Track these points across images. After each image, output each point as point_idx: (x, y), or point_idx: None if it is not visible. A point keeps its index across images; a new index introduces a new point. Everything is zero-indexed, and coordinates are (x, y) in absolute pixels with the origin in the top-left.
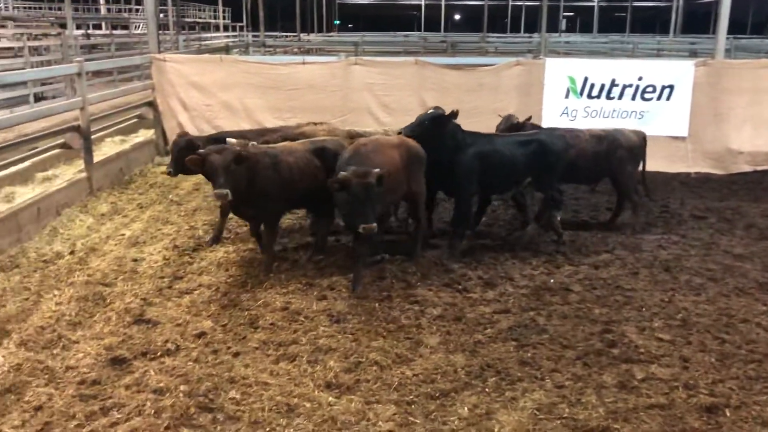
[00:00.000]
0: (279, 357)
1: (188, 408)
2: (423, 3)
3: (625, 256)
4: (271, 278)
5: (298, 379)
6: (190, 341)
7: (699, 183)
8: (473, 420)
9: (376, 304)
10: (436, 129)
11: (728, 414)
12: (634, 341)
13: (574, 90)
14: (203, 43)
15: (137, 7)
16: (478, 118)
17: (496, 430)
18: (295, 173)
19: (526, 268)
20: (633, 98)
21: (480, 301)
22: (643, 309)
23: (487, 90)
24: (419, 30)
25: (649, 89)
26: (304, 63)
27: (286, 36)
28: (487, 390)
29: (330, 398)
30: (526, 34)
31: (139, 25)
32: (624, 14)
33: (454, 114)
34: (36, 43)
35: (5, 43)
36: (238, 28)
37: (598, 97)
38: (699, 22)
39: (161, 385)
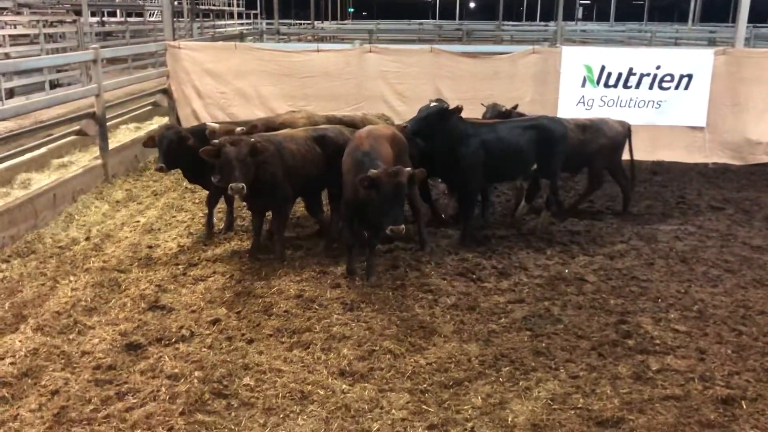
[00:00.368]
0: (293, 344)
1: (202, 394)
2: None
3: (641, 247)
4: (285, 266)
5: (312, 367)
6: (204, 328)
7: (717, 173)
8: (487, 409)
9: (390, 293)
10: (440, 123)
11: (744, 406)
12: (649, 332)
13: (590, 79)
14: (218, 30)
15: None
16: None
17: (509, 419)
18: (298, 160)
19: (541, 257)
20: (650, 87)
21: (494, 290)
22: (659, 300)
23: (503, 78)
24: (434, 18)
25: (667, 78)
26: (318, 51)
27: (301, 23)
28: (500, 379)
29: (343, 386)
30: (542, 23)
31: (153, 13)
32: (642, 2)
33: (459, 109)
34: (51, 30)
35: (21, 30)
36: (252, 16)
37: (615, 86)
38: (718, 10)
39: (176, 371)
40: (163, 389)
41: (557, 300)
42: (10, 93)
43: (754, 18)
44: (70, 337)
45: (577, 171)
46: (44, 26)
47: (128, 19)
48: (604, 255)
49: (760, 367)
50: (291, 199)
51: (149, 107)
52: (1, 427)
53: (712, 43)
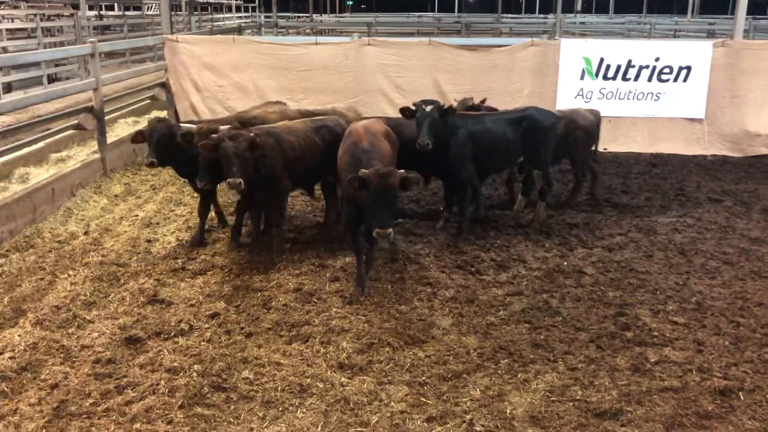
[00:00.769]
0: (292, 338)
1: (202, 387)
2: None
3: (640, 239)
4: (284, 260)
5: (311, 360)
6: (203, 321)
7: (715, 165)
8: (485, 401)
9: (389, 286)
10: (442, 124)
11: (742, 397)
12: (647, 324)
13: (589, 71)
14: (216, 23)
15: None
16: (493, 100)
17: (508, 411)
18: (298, 152)
19: (539, 250)
20: (649, 79)
21: (493, 283)
22: (658, 292)
23: (502, 71)
24: (433, 10)
25: (666, 70)
26: (316, 44)
27: (299, 16)
28: (499, 372)
29: (342, 379)
30: (541, 15)
31: (151, 6)
32: None
33: (453, 109)
34: (49, 24)
35: (18, 24)
36: (250, 9)
37: (614, 78)
38: (717, 2)
39: (175, 364)
40: (163, 383)
41: (556, 292)
42: (8, 87)
43: (753, 9)
44: (70, 331)
45: (554, 162)
46: (42, 20)
47: (126, 12)
48: (603, 247)
49: (758, 359)
50: (289, 192)
51: (147, 101)
52: (0, 421)
53: (711, 35)
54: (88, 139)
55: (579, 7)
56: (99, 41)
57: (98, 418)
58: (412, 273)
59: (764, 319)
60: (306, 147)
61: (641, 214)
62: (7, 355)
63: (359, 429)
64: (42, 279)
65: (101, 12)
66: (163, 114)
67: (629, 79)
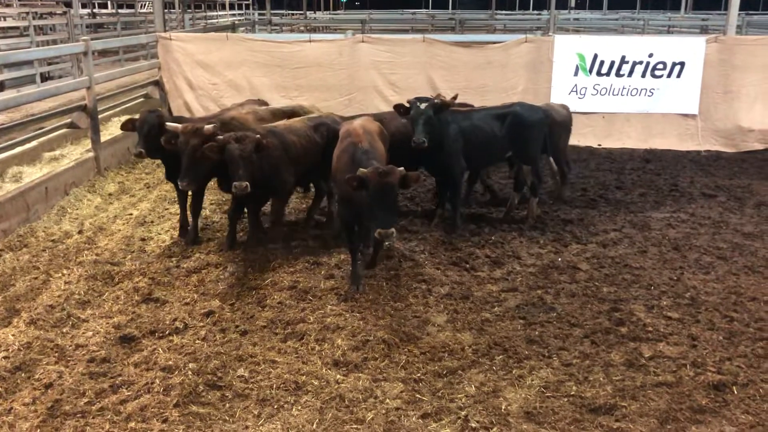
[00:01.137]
0: (287, 335)
1: (197, 386)
2: None
3: (634, 235)
4: (279, 257)
5: (306, 357)
6: (198, 320)
7: (709, 161)
8: (480, 397)
9: (384, 283)
10: (437, 121)
11: (735, 391)
12: (642, 319)
13: (583, 67)
14: (209, 21)
15: None
16: (487, 96)
17: (503, 407)
18: (300, 150)
19: (534, 246)
20: (643, 75)
21: (487, 279)
22: (652, 287)
23: (496, 67)
24: (427, 7)
25: (660, 66)
26: (310, 41)
27: (293, 14)
28: (494, 368)
29: (338, 376)
30: (535, 11)
31: (144, 4)
32: None
33: (447, 105)
34: (41, 22)
35: (10, 23)
36: (244, 6)
37: (608, 74)
38: None
39: (170, 363)
40: (158, 381)
41: (550, 288)
42: (1, 86)
43: (746, 5)
44: (64, 330)
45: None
46: (34, 18)
47: (119, 10)
48: (597, 243)
49: (751, 353)
50: (292, 191)
51: (141, 99)
52: None
53: (704, 30)
54: (81, 137)
55: (573, 3)
56: (92, 39)
57: (93, 418)
58: (407, 270)
59: (758, 314)
60: (307, 145)
61: (635, 210)
62: (1, 354)
63: (354, 426)
64: (36, 278)
65: (94, 10)
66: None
67: (623, 75)
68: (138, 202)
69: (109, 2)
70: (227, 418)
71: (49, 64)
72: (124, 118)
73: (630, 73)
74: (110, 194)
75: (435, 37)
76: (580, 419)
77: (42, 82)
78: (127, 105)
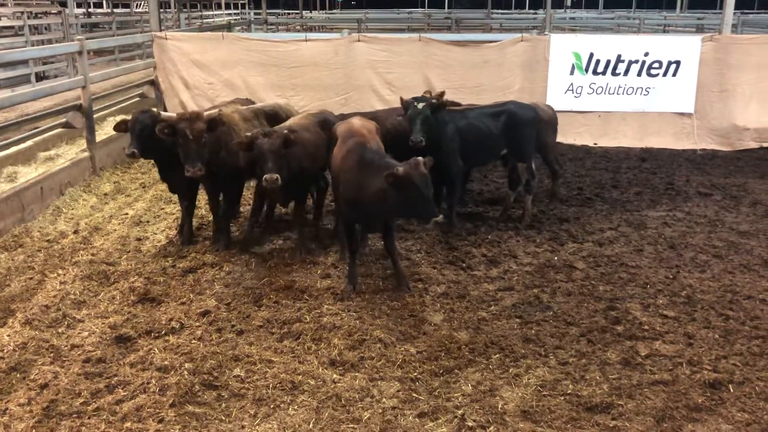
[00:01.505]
0: (283, 335)
1: (193, 385)
2: None
3: (630, 233)
4: (275, 257)
5: (302, 357)
6: (194, 320)
7: (705, 159)
8: (477, 396)
9: (380, 282)
10: (434, 120)
11: (732, 390)
12: (638, 318)
13: (579, 66)
14: (205, 20)
15: None
16: (483, 95)
17: (499, 406)
18: (312, 147)
19: (530, 245)
20: (639, 74)
21: (484, 278)
22: (648, 286)
23: (492, 67)
24: (423, 6)
25: (656, 65)
26: (306, 40)
27: (289, 13)
28: (490, 367)
29: (334, 375)
30: (531, 11)
31: (140, 3)
32: None
33: (444, 104)
34: (36, 22)
35: (5, 22)
36: (240, 5)
37: (604, 73)
38: None
39: (166, 363)
40: (153, 381)
41: (547, 287)
42: None
43: (741, 4)
44: (59, 330)
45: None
46: (29, 17)
47: (114, 10)
48: (593, 242)
49: (747, 351)
50: (311, 185)
51: (136, 99)
52: None
53: (700, 29)
54: (76, 137)
55: (569, 2)
56: (87, 39)
57: (88, 418)
58: (403, 269)
59: (753, 312)
60: (317, 142)
61: (631, 209)
62: None
63: (351, 425)
64: (31, 278)
65: (89, 9)
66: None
67: (619, 74)
68: (133, 201)
69: (104, 1)
70: (223, 418)
71: (44, 63)
72: (119, 117)
73: (626, 72)
74: (106, 194)
75: (431, 36)
76: (577, 418)
77: (37, 81)
78: (122, 105)
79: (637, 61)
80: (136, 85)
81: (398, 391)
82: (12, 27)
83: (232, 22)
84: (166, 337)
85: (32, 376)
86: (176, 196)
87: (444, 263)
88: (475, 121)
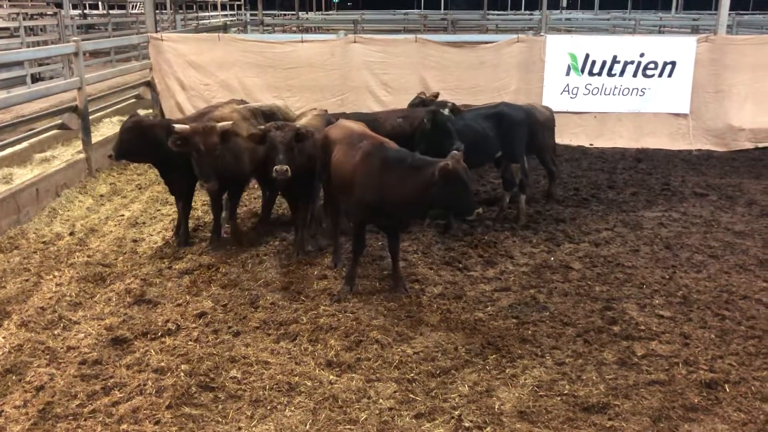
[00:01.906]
0: (279, 336)
1: (189, 387)
2: None
3: (626, 234)
4: (271, 258)
5: (299, 358)
6: (190, 321)
7: (700, 160)
8: (474, 397)
9: (377, 283)
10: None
11: (728, 389)
12: (634, 318)
13: (575, 67)
14: (201, 21)
15: None
16: (479, 96)
17: (496, 407)
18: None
19: (526, 246)
20: (634, 75)
21: (480, 279)
22: (644, 286)
23: (488, 67)
24: (419, 8)
25: (651, 66)
26: (302, 41)
27: (285, 14)
28: (487, 367)
29: (331, 376)
30: (527, 12)
31: (136, 5)
32: None
33: (458, 109)
34: (32, 23)
35: (1, 23)
36: (236, 7)
37: (599, 74)
38: None
39: (162, 364)
40: (150, 383)
41: (543, 288)
42: None
43: (736, 5)
44: (55, 332)
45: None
46: (24, 19)
47: (110, 11)
48: (590, 242)
49: (743, 351)
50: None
51: (132, 100)
52: None
53: (695, 30)
54: (72, 138)
55: (564, 3)
56: (83, 40)
57: (85, 420)
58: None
59: (749, 312)
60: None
61: (627, 209)
62: None
63: (348, 427)
64: (27, 280)
65: (85, 11)
66: (149, 113)
67: (614, 75)
68: (130, 203)
69: (100, 3)
70: (220, 420)
71: (40, 65)
72: (115, 119)
73: (621, 73)
74: (102, 195)
75: (427, 37)
76: (573, 418)
77: (33, 83)
78: (118, 106)
79: (632, 62)
80: (132, 86)
81: (395, 391)
82: (7, 28)
83: (228, 23)
84: (163, 339)
85: (28, 378)
86: (173, 197)
87: (440, 264)
88: (471, 123)
